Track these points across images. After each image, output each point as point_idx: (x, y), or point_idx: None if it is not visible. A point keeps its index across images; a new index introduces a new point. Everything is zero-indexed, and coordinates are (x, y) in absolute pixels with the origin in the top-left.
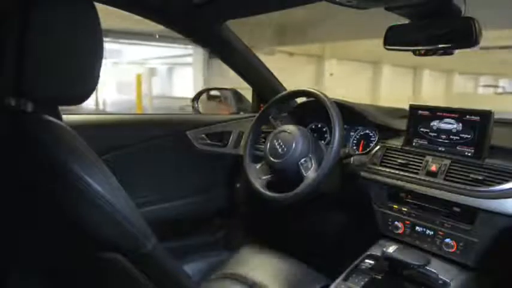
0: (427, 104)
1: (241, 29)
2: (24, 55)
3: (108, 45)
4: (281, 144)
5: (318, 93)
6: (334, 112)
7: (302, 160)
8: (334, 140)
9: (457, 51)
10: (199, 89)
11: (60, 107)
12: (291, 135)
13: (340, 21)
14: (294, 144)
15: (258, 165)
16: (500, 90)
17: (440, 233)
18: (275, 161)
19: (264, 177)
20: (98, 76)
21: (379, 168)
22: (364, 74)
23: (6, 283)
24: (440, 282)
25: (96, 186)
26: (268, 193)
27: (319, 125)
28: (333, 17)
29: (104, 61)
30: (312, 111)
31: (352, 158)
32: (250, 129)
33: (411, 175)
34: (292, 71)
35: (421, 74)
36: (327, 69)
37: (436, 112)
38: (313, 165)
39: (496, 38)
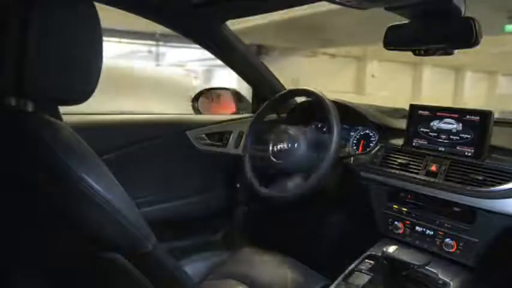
0: (467, 105)
1: (284, 32)
2: (24, 55)
3: (154, 49)
4: (283, 145)
5: (316, 92)
6: (331, 111)
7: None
8: (331, 141)
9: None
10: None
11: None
12: (292, 136)
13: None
14: (295, 145)
15: (257, 165)
16: None
17: (440, 233)
18: (277, 162)
19: (261, 177)
20: (98, 76)
21: (379, 168)
22: (405, 75)
23: (6, 283)
24: (440, 282)
25: (96, 186)
26: (265, 191)
27: (319, 125)
28: (375, 21)
29: (147, 64)
30: (312, 110)
31: (352, 158)
32: (249, 129)
33: (411, 175)
34: (333, 73)
35: (463, 75)
36: (368, 70)
37: (436, 112)
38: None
39: None
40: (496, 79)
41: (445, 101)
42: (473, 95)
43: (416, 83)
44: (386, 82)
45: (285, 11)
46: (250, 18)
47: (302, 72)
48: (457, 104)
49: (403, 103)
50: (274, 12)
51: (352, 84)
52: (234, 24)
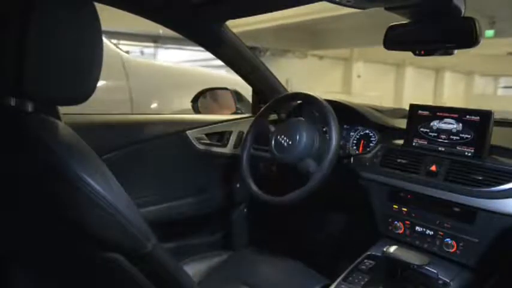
0: (447, 104)
1: (279, 35)
2: (24, 55)
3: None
4: (285, 137)
5: (316, 97)
6: (331, 117)
7: (302, 161)
8: (330, 145)
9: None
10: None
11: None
12: (294, 127)
13: (367, 29)
14: (298, 137)
15: (256, 166)
16: None
17: (440, 233)
18: (279, 155)
19: (260, 179)
20: (98, 76)
21: (379, 168)
22: (389, 76)
23: (6, 283)
24: (440, 282)
25: (96, 186)
26: (263, 195)
27: (319, 126)
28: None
29: None
30: (312, 113)
31: (352, 158)
32: (248, 130)
33: (411, 175)
34: (322, 73)
35: (443, 75)
36: (354, 71)
37: (436, 112)
38: (313, 165)
39: None
40: (473, 80)
41: (426, 99)
42: (452, 94)
43: (399, 83)
44: (371, 82)
45: (280, 16)
46: (246, 23)
47: (293, 73)
48: (436, 102)
49: (389, 102)
50: (269, 20)
51: (339, 84)
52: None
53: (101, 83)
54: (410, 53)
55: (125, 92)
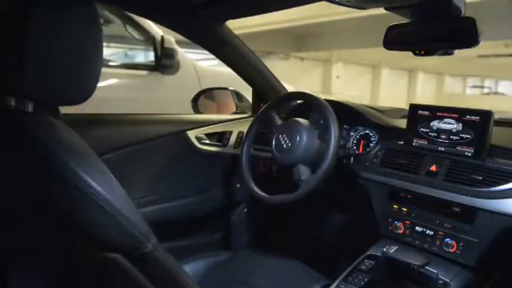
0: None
1: (261, 37)
2: (24, 55)
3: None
4: (286, 138)
5: (314, 95)
6: (329, 114)
7: (299, 164)
8: (329, 144)
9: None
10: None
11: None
12: (295, 128)
13: (349, 33)
14: (298, 139)
15: (255, 166)
16: (486, 90)
17: (440, 233)
18: (280, 156)
19: (260, 178)
20: (98, 76)
21: (379, 168)
22: (366, 76)
23: (5, 283)
24: (440, 282)
25: (96, 186)
26: (263, 194)
27: (319, 125)
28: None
29: None
30: (311, 112)
31: (352, 158)
32: (248, 130)
33: (411, 175)
34: (303, 74)
35: (416, 76)
36: (334, 72)
37: (436, 112)
38: (309, 170)
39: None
40: (443, 80)
41: (400, 98)
42: (424, 93)
43: (376, 83)
44: (350, 82)
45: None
46: (239, 26)
47: (276, 74)
48: (410, 101)
49: (367, 101)
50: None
51: (319, 84)
52: None
53: (184, 84)
54: (385, 55)
55: (196, 91)
